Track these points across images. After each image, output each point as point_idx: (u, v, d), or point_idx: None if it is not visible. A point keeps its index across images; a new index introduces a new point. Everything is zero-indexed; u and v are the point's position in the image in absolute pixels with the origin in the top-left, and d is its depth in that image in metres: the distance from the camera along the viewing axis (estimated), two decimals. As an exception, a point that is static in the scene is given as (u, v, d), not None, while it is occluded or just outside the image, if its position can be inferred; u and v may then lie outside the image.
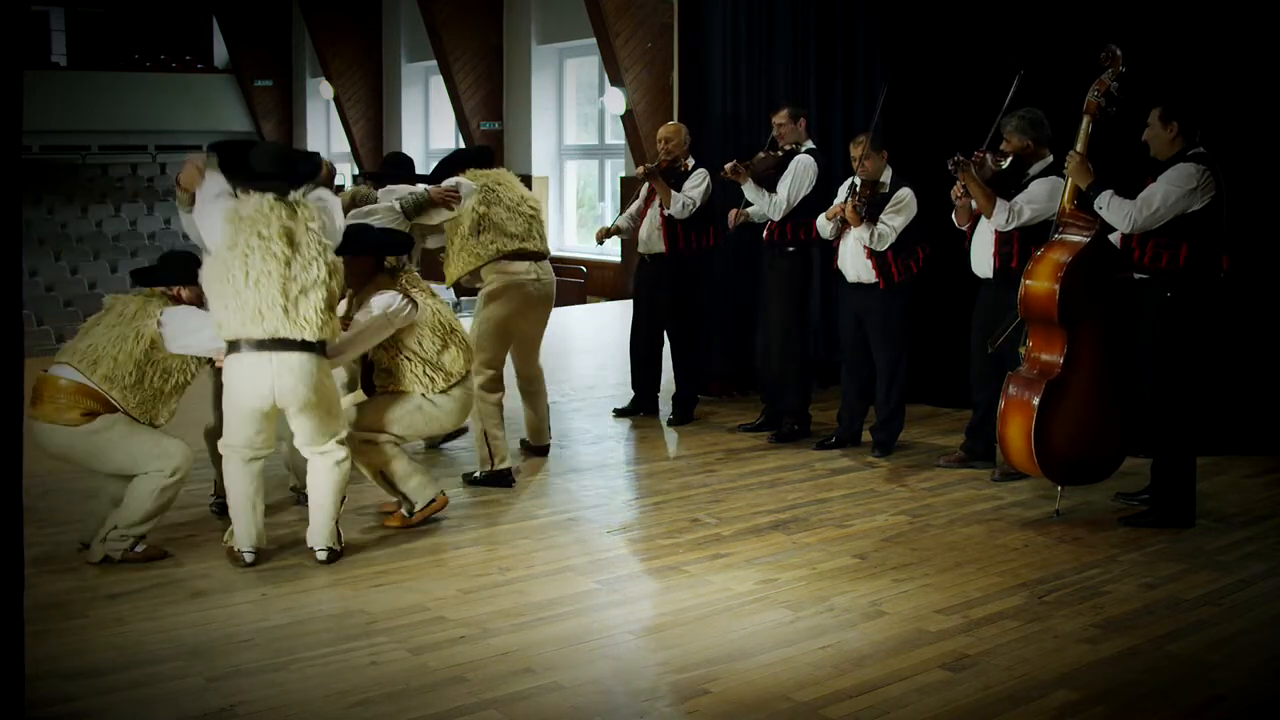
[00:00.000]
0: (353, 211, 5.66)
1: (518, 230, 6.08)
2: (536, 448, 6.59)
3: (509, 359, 6.32)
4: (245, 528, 4.76)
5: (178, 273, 4.88)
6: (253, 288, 4.53)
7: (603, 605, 4.39)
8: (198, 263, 4.75)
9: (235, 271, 4.54)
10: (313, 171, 4.82)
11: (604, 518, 5.53)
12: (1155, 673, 3.82)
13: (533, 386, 6.49)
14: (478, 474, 5.98)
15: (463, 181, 5.95)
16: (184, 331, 4.76)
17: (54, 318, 14.95)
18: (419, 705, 3.55)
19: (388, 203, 5.78)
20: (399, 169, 6.38)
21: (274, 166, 4.70)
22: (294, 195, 4.65)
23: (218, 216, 4.61)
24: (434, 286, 5.51)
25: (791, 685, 3.70)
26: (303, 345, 4.62)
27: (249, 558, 4.74)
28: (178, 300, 4.86)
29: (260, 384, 4.60)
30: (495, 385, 6.04)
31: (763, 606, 4.36)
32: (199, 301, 4.79)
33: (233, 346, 4.62)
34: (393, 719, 3.48)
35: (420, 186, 5.92)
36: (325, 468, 4.83)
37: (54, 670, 3.75)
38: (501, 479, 5.94)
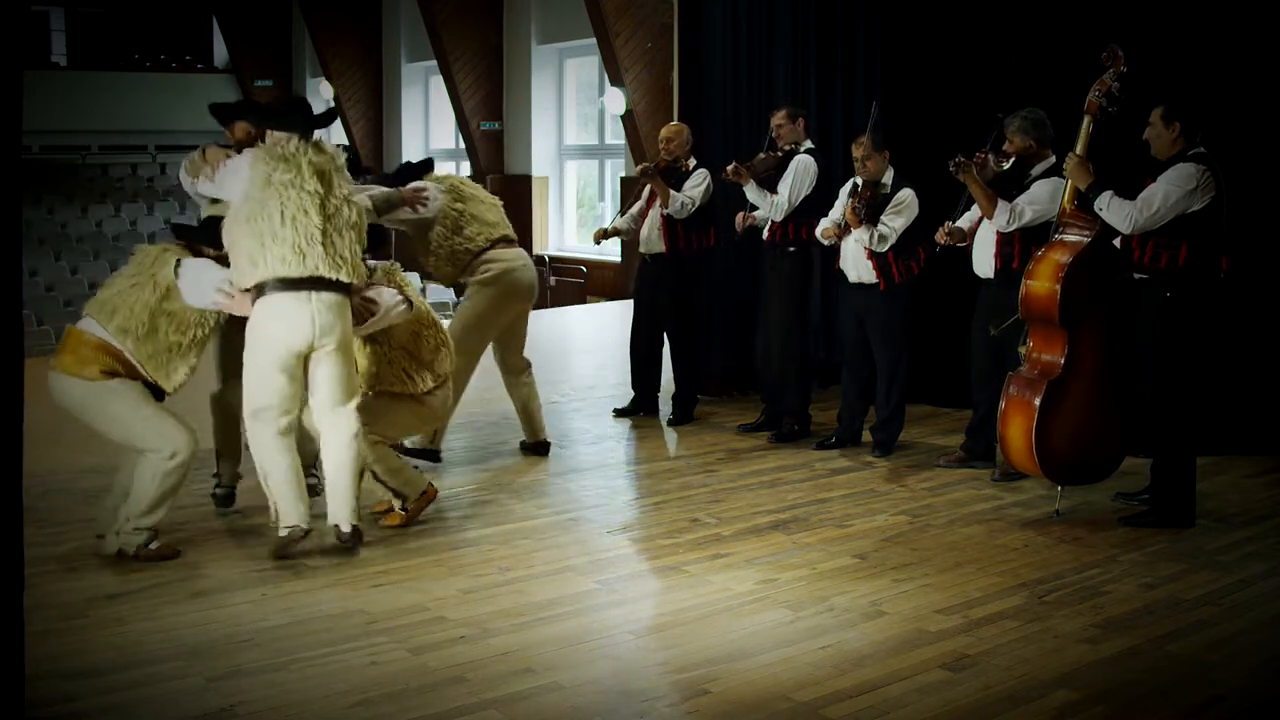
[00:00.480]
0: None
1: (496, 219, 6.24)
2: (535, 444, 6.59)
3: (491, 356, 6.42)
4: (292, 504, 4.74)
5: (214, 236, 4.86)
6: (290, 225, 4.57)
7: (603, 605, 4.39)
8: None
9: (271, 210, 4.57)
10: (328, 118, 5.07)
11: (604, 518, 5.52)
12: (1155, 673, 3.82)
13: (523, 379, 6.54)
14: (409, 443, 6.03)
15: (429, 185, 5.99)
16: (200, 282, 4.74)
17: (54, 318, 14.92)
18: (419, 705, 3.55)
19: (360, 197, 5.76)
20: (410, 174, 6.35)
21: (294, 106, 4.85)
22: (317, 136, 4.75)
23: (243, 163, 4.67)
24: (427, 287, 5.55)
25: (791, 685, 3.70)
26: (338, 285, 4.67)
27: (305, 529, 4.75)
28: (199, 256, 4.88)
29: (301, 321, 4.60)
30: (469, 373, 6.21)
31: (763, 606, 4.36)
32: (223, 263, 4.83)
33: (260, 290, 4.62)
34: (393, 719, 3.48)
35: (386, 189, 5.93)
36: (344, 441, 4.80)
37: (54, 670, 3.75)
38: (431, 455, 6.14)
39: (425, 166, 6.28)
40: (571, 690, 3.67)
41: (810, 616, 4.26)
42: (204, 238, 4.89)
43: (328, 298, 4.64)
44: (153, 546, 4.74)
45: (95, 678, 3.73)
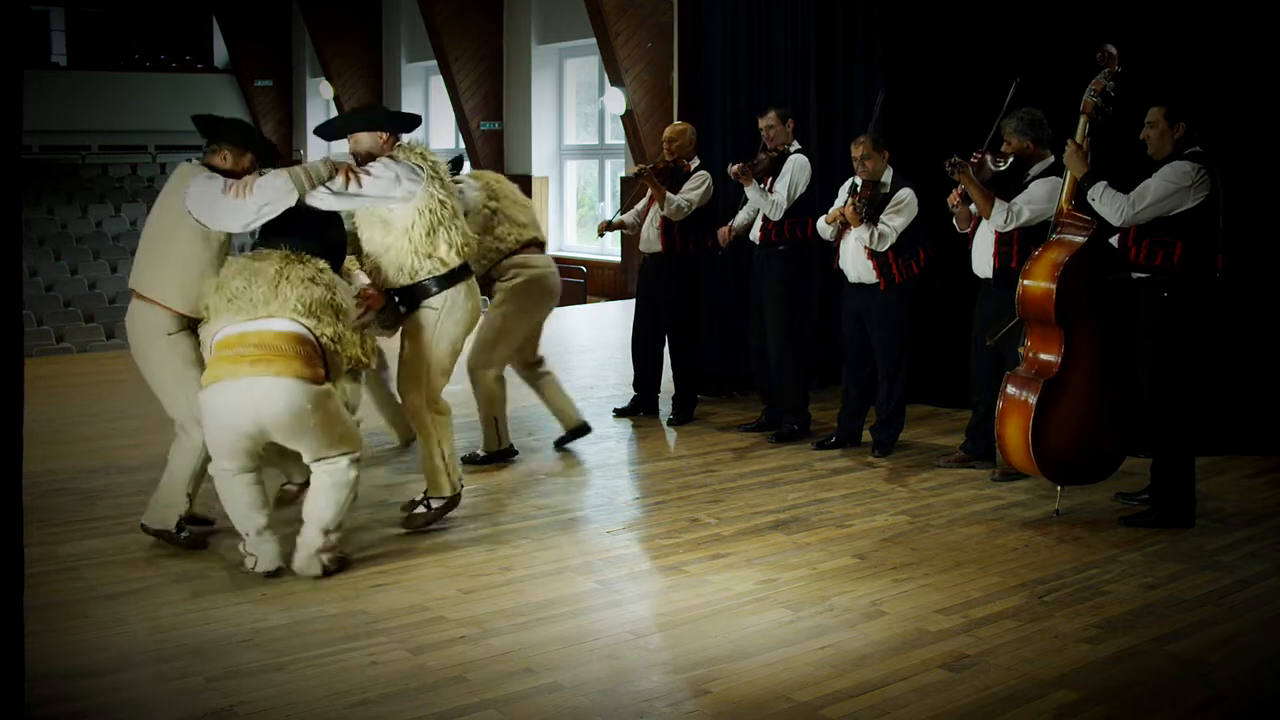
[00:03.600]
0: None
1: (527, 220, 6.29)
2: (574, 430, 6.66)
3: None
4: (457, 475, 5.24)
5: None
6: (463, 218, 5.04)
7: (603, 605, 4.39)
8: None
9: (453, 204, 4.99)
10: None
11: (604, 518, 5.53)
12: (1155, 673, 3.82)
13: (542, 368, 6.63)
14: (480, 453, 6.26)
15: (464, 179, 6.05)
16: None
17: (54, 318, 14.92)
18: (419, 705, 3.56)
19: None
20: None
21: (397, 114, 5.28)
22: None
23: (400, 169, 4.84)
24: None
25: (791, 685, 3.70)
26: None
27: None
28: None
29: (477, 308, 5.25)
30: (501, 377, 6.29)
31: (763, 606, 4.36)
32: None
33: (454, 279, 5.03)
34: (393, 719, 3.49)
35: None
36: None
37: (54, 670, 3.75)
38: (506, 454, 6.33)
39: (455, 165, 6.24)
40: (571, 690, 3.67)
41: (810, 616, 4.26)
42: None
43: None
44: (330, 560, 4.66)
45: (95, 678, 3.73)
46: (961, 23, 7.43)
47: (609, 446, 6.85)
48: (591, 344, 10.97)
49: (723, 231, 7.04)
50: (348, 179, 4.75)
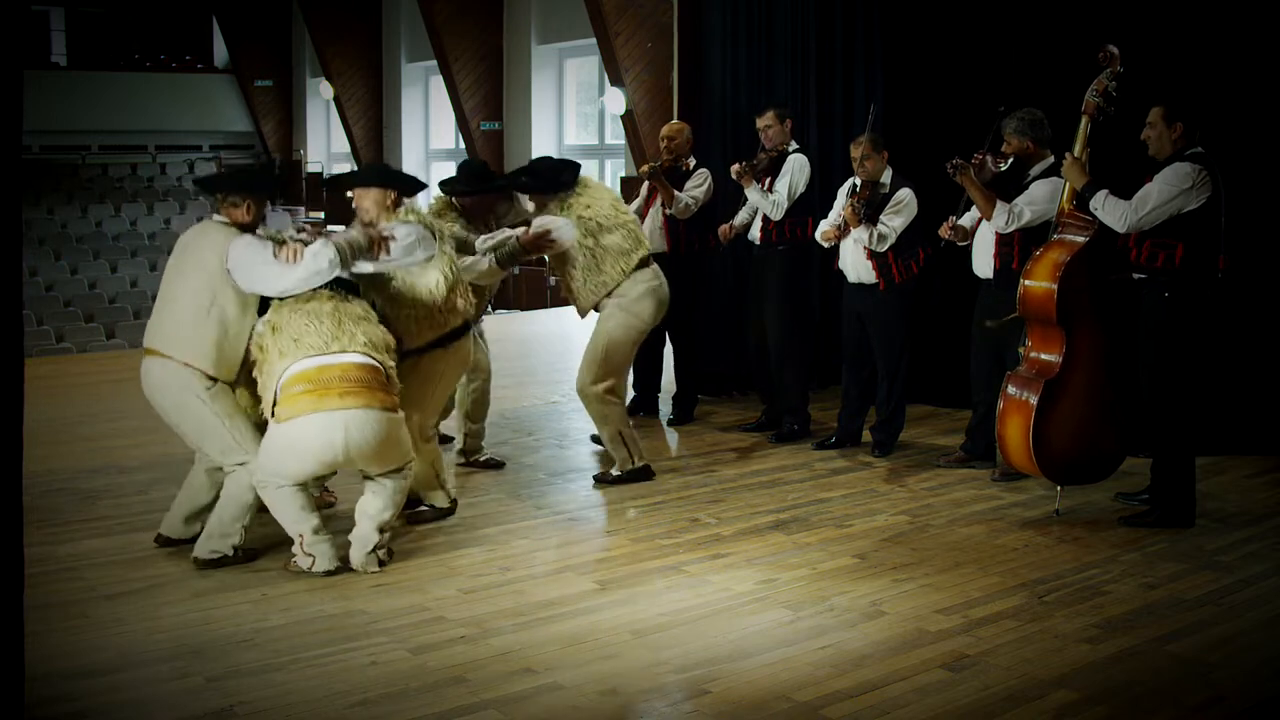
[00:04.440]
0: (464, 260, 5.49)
1: (629, 245, 5.87)
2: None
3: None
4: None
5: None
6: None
7: (603, 605, 4.39)
8: None
9: (452, 263, 5.15)
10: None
11: (604, 518, 5.53)
12: (1155, 673, 3.82)
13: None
14: (616, 473, 5.99)
15: (554, 221, 5.63)
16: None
17: (54, 318, 14.94)
18: (419, 705, 3.56)
19: (482, 260, 5.53)
20: (480, 180, 6.08)
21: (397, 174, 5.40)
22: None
23: (417, 231, 4.94)
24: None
25: (791, 685, 3.70)
26: None
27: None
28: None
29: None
30: (623, 390, 6.07)
31: (763, 606, 4.36)
32: None
33: (457, 336, 5.19)
34: (393, 719, 3.49)
35: (508, 232, 5.62)
36: None
37: (54, 670, 3.75)
38: (644, 474, 6.01)
39: (566, 175, 5.91)
40: (571, 690, 3.67)
41: (810, 616, 4.26)
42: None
43: None
44: (384, 554, 4.79)
45: (95, 678, 3.73)
46: (962, 22, 7.42)
47: (609, 446, 6.85)
48: (591, 344, 10.96)
49: (724, 229, 7.04)
50: (378, 247, 4.82)
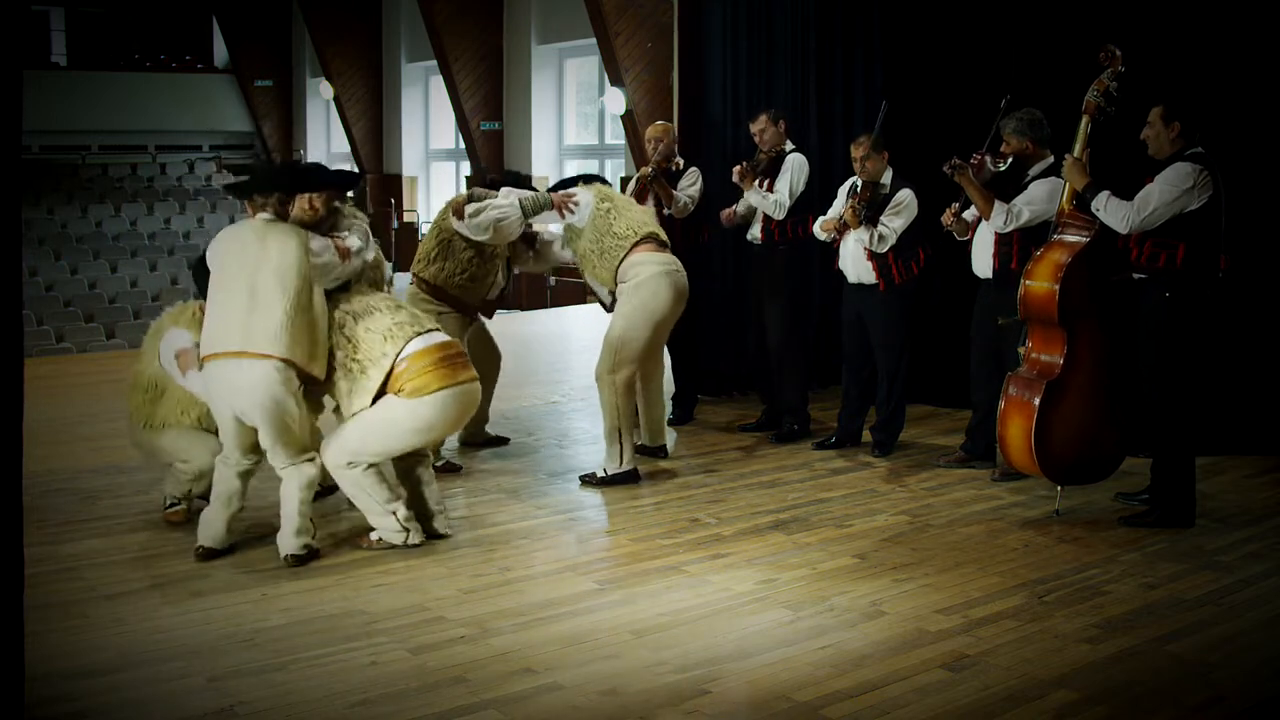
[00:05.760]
0: (470, 205, 6.02)
1: (646, 218, 6.21)
2: (654, 449, 6.53)
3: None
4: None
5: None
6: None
7: (603, 605, 4.39)
8: None
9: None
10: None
11: (604, 518, 5.53)
12: (1155, 673, 3.82)
13: (653, 383, 6.47)
14: (602, 474, 5.99)
15: (581, 192, 6.09)
16: None
17: (54, 318, 14.94)
18: (419, 705, 3.56)
19: (508, 200, 6.00)
20: (516, 184, 6.39)
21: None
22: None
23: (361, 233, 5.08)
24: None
25: (791, 685, 3.70)
26: None
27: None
28: None
29: None
30: (634, 382, 6.11)
31: (763, 606, 4.36)
32: None
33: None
34: (392, 719, 3.49)
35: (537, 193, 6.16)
36: None
37: (54, 670, 3.75)
38: (630, 477, 6.00)
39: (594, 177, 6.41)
40: (571, 690, 3.67)
41: (810, 616, 4.26)
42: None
43: None
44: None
45: (95, 678, 3.73)
46: (962, 22, 7.42)
47: (609, 446, 6.84)
48: (592, 344, 10.94)
49: (726, 213, 7.02)
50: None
